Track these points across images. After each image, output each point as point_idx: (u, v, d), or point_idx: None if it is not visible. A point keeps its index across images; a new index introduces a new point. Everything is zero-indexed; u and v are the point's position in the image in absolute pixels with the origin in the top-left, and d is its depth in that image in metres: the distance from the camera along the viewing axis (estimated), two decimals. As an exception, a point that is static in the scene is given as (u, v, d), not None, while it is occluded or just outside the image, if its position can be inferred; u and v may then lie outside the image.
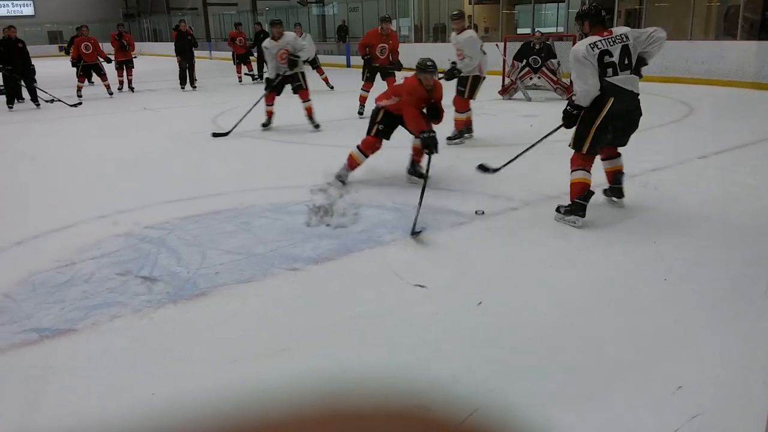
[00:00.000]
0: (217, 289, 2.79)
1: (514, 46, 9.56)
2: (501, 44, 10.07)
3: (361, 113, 7.81)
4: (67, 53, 11.92)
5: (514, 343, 2.31)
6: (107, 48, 11.58)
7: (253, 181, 4.79)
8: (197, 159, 5.91)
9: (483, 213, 3.74)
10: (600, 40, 3.41)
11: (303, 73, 6.95)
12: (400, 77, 4.88)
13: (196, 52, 12.29)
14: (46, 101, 9.64)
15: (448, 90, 5.06)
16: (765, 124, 6.89)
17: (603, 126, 3.44)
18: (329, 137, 6.68)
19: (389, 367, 2.14)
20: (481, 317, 2.50)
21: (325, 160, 4.77)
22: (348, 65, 17.89)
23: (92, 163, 5.79)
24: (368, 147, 4.40)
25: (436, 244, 3.22)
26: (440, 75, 5.00)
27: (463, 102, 6.04)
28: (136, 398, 1.97)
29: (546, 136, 4.05)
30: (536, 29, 11.69)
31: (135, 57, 12.38)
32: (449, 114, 5.23)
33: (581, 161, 3.56)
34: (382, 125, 4.37)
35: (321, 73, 11.52)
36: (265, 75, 8.28)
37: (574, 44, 4.50)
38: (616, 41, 3.42)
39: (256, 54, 12.58)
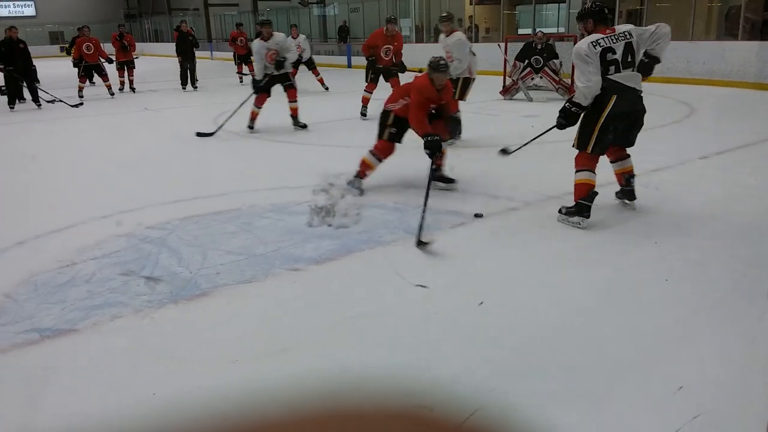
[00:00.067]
0: (218, 290, 2.79)
1: (515, 47, 9.57)
2: (502, 44, 10.08)
3: (364, 114, 7.74)
4: (69, 54, 11.96)
5: (515, 343, 2.31)
6: (108, 48, 11.59)
7: (254, 181, 4.79)
8: (198, 159, 5.91)
9: (482, 216, 3.74)
10: (603, 38, 3.39)
11: (291, 74, 6.98)
12: (403, 79, 4.87)
13: (198, 53, 12.31)
14: (48, 101, 9.65)
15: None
16: (766, 125, 6.88)
17: (606, 125, 3.41)
18: (330, 137, 6.69)
19: (389, 367, 2.14)
20: (481, 317, 2.50)
21: (327, 161, 4.77)
22: (349, 66, 17.91)
23: (93, 164, 5.80)
24: (382, 151, 4.29)
25: (436, 245, 3.21)
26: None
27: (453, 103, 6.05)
28: (137, 398, 1.97)
29: (552, 127, 3.99)
30: (538, 29, 11.69)
31: (136, 57, 12.41)
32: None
33: (586, 161, 3.52)
34: (394, 129, 4.25)
35: (316, 74, 11.45)
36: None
37: (575, 44, 4.49)
38: (620, 38, 3.40)
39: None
